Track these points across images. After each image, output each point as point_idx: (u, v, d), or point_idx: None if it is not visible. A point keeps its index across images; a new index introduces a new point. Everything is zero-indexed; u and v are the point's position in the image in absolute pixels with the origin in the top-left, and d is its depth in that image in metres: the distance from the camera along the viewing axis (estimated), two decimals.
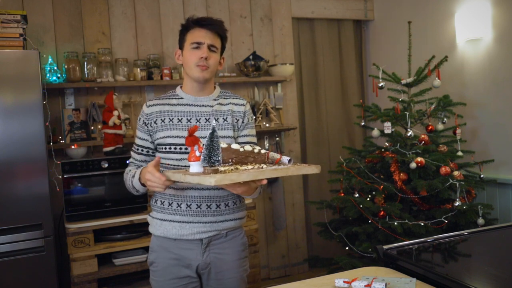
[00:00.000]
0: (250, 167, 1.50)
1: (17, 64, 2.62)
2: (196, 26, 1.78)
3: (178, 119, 1.79)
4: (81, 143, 3.25)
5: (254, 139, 1.92)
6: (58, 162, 2.99)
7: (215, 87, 1.90)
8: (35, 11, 3.26)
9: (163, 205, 1.81)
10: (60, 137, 3.27)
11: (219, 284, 1.82)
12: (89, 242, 2.87)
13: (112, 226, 2.96)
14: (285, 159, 1.60)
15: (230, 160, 1.51)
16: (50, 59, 3.24)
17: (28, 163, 2.64)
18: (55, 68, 3.24)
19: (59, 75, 3.24)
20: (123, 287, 3.05)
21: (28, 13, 2.97)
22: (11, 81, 2.61)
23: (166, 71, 3.48)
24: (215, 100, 1.85)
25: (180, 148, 1.77)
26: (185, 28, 1.81)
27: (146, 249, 3.05)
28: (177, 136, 1.77)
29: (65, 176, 2.92)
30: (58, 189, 3.05)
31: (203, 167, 1.46)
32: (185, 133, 1.75)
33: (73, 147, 3.20)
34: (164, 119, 1.80)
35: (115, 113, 3.17)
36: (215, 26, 1.79)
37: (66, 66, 3.25)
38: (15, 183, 2.62)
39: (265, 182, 1.49)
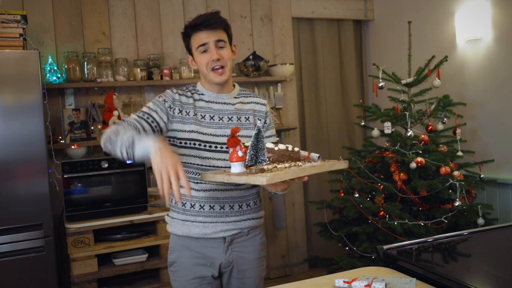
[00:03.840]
0: (287, 165, 1.52)
1: (17, 64, 2.62)
2: (196, 31, 1.73)
3: (201, 115, 1.75)
4: (81, 143, 3.25)
5: (276, 139, 1.91)
6: (58, 162, 2.99)
7: (234, 85, 1.87)
8: (35, 11, 3.26)
9: (185, 207, 1.77)
10: (60, 137, 3.27)
11: (241, 283, 1.81)
12: (89, 242, 2.87)
13: (112, 226, 2.96)
14: (314, 155, 1.63)
15: (268, 159, 1.53)
16: (50, 59, 3.25)
17: (28, 163, 2.64)
18: (55, 68, 3.25)
19: (59, 75, 3.24)
20: (123, 287, 3.05)
21: (28, 13, 2.97)
22: (11, 81, 2.61)
23: (166, 71, 3.48)
24: (236, 98, 1.83)
25: (205, 146, 1.72)
26: (186, 36, 1.78)
27: (146, 249, 3.06)
28: (202, 133, 1.73)
29: (65, 176, 2.92)
30: (58, 189, 3.05)
31: (248, 167, 1.46)
32: (209, 130, 1.73)
33: (73, 147, 3.21)
34: (189, 112, 1.74)
35: (115, 113, 3.17)
36: (214, 25, 1.72)
37: (66, 66, 3.25)
38: (15, 183, 2.62)
39: (306, 179, 1.52)
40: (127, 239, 2.99)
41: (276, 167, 1.48)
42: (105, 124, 3.17)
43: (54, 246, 2.74)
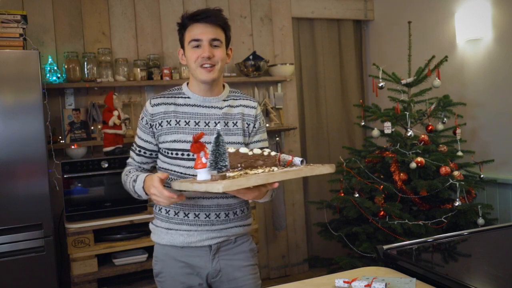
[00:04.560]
0: (260, 170, 1.45)
1: (17, 64, 2.62)
2: (193, 22, 1.63)
3: (185, 121, 1.66)
4: (81, 143, 3.25)
5: (266, 143, 1.82)
6: (58, 162, 2.99)
7: (224, 86, 1.76)
8: (35, 11, 3.26)
9: (169, 214, 1.70)
10: (60, 137, 3.27)
11: None
12: (89, 242, 2.87)
13: (112, 226, 2.96)
14: (297, 160, 1.55)
15: (239, 165, 1.46)
16: (50, 59, 3.24)
17: (28, 163, 2.64)
18: (55, 68, 3.25)
19: (59, 75, 3.24)
20: (123, 287, 3.05)
21: (28, 13, 2.97)
22: (11, 81, 2.61)
23: (166, 71, 3.48)
24: (224, 101, 1.72)
25: (188, 155, 1.64)
26: (182, 26, 1.67)
27: (146, 249, 3.06)
28: (185, 141, 1.64)
29: (65, 176, 2.92)
30: (58, 189, 3.05)
31: (211, 174, 1.39)
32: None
33: (73, 147, 3.21)
34: (170, 121, 1.66)
35: (115, 113, 3.17)
36: (213, 18, 1.62)
37: (66, 66, 3.25)
38: (15, 183, 2.62)
39: (276, 185, 1.43)
40: (127, 239, 2.99)
41: (247, 173, 1.41)
42: (105, 124, 3.16)
43: (54, 246, 2.74)
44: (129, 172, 1.72)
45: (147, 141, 1.72)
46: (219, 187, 1.28)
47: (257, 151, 1.51)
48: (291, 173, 1.44)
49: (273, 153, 1.54)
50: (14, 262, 2.61)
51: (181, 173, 1.67)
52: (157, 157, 1.76)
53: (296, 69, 4.16)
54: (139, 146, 1.75)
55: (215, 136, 1.37)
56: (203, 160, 1.40)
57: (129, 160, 1.80)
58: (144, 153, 1.74)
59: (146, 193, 1.62)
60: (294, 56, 4.14)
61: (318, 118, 4.30)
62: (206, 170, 1.40)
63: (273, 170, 1.46)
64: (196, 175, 1.61)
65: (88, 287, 2.86)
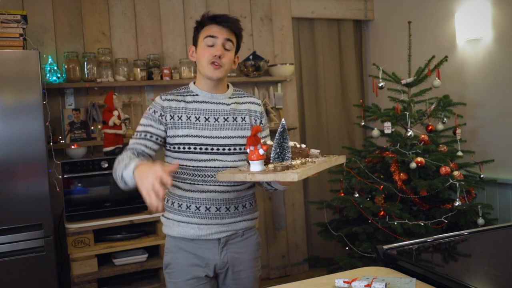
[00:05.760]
0: (298, 161, 1.54)
1: (17, 64, 2.62)
2: (212, 23, 1.75)
3: (195, 117, 1.74)
4: (81, 143, 3.25)
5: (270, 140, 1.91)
6: (58, 162, 2.99)
7: (228, 86, 1.86)
8: (35, 11, 3.26)
9: (181, 208, 1.76)
10: (60, 137, 3.27)
11: (236, 284, 1.81)
12: (89, 242, 2.87)
13: (112, 226, 2.96)
14: (315, 151, 1.66)
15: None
16: (50, 59, 3.24)
17: (28, 163, 2.65)
18: (55, 68, 3.25)
19: (59, 75, 3.24)
20: (123, 287, 3.05)
21: (28, 13, 2.97)
22: (11, 81, 2.61)
23: (166, 71, 3.48)
24: (230, 98, 1.81)
25: (200, 148, 1.71)
26: (200, 25, 1.78)
27: (146, 249, 3.06)
28: (197, 136, 1.72)
29: (65, 176, 2.92)
30: (58, 189, 3.05)
31: (269, 164, 1.49)
32: (204, 133, 1.72)
33: (73, 147, 3.21)
34: (181, 116, 1.73)
35: (115, 113, 3.17)
36: (230, 24, 1.76)
37: (66, 66, 3.25)
38: (15, 183, 2.62)
39: (317, 174, 1.54)
40: (127, 239, 2.99)
41: (292, 163, 1.49)
42: (105, 124, 3.16)
43: (54, 246, 2.74)
44: (122, 159, 1.63)
45: (153, 126, 1.72)
46: (294, 176, 1.35)
47: (290, 143, 1.57)
48: (328, 163, 1.59)
49: (303, 146, 1.64)
50: (14, 262, 2.61)
51: (194, 166, 1.72)
52: (160, 143, 1.75)
53: (296, 69, 4.16)
54: (143, 132, 1.72)
55: (280, 129, 1.47)
56: (261, 151, 1.48)
57: (127, 147, 1.73)
58: (151, 136, 1.71)
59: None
60: (294, 56, 4.14)
61: (318, 118, 4.30)
62: (261, 161, 1.48)
63: (314, 161, 1.56)
64: (209, 167, 1.71)
65: (88, 287, 2.86)
